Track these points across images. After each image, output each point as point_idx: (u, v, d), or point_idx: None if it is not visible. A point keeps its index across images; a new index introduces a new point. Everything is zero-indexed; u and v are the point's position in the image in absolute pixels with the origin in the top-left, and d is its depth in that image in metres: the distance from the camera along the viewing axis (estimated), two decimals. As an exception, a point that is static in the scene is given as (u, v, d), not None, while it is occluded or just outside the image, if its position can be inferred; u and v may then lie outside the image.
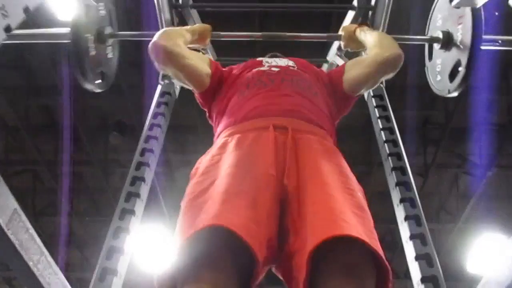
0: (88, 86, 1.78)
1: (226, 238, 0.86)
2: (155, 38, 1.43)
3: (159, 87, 1.98)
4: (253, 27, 3.08)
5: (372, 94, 1.91)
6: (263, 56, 1.70)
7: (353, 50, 1.77)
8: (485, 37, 1.66)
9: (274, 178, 1.04)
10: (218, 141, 1.25)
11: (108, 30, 1.87)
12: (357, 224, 0.93)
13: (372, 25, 1.97)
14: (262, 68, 1.43)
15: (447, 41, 1.76)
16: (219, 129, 1.32)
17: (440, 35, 1.79)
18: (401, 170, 1.66)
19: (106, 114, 5.35)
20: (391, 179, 1.66)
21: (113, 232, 1.47)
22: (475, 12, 1.62)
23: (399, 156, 1.70)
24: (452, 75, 1.74)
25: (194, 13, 2.08)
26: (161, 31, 1.51)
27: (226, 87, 1.43)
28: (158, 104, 1.89)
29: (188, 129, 5.33)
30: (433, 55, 1.91)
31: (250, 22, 3.55)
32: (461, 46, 1.69)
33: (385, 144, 1.74)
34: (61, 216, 6.56)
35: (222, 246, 0.88)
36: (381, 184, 2.06)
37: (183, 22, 2.09)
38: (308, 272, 0.87)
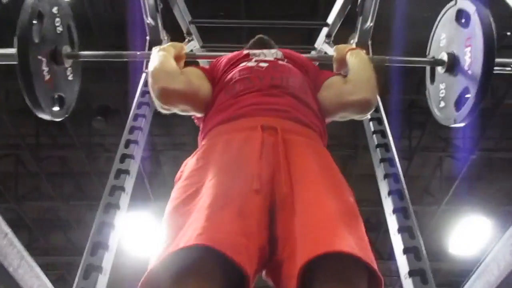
0: (42, 116, 1.53)
1: (212, 255, 0.85)
2: (159, 83, 1.28)
3: (143, 76, 1.93)
4: (239, 8, 2.98)
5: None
6: (250, 38, 1.66)
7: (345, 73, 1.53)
8: (497, 60, 1.49)
9: (262, 185, 1.00)
10: (204, 143, 1.21)
11: (66, 50, 1.63)
12: (349, 236, 0.92)
13: (361, 14, 1.94)
14: (249, 64, 1.36)
15: (453, 65, 1.59)
16: (205, 128, 1.27)
17: (445, 58, 1.62)
18: (389, 161, 1.68)
19: (89, 97, 5.25)
20: (380, 171, 1.67)
21: (97, 227, 1.44)
22: (487, 35, 1.44)
23: (387, 148, 1.71)
24: (459, 102, 1.56)
25: (181, 3, 2.02)
26: (154, 69, 1.33)
27: (214, 84, 1.37)
28: (143, 94, 1.84)
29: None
30: (436, 78, 1.73)
31: (236, 13, 3.46)
32: (470, 72, 1.51)
33: (373, 135, 1.76)
34: (45, 200, 6.51)
35: (208, 261, 0.85)
36: (366, 167, 2.07)
37: (166, 5, 2.03)
38: (299, 282, 0.86)
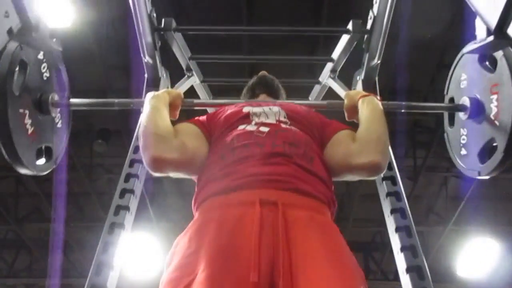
0: (25, 172, 1.40)
1: None
2: (151, 151, 1.17)
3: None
4: (240, 49, 2.95)
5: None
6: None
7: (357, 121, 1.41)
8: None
9: (261, 277, 0.90)
10: (196, 217, 1.10)
11: (53, 98, 1.47)
12: None
13: (367, 50, 1.87)
14: (249, 128, 1.23)
15: (477, 112, 1.44)
16: (199, 196, 1.15)
17: (467, 103, 1.47)
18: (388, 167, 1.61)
19: (90, 118, 5.20)
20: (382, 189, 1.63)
21: (102, 246, 1.39)
22: None
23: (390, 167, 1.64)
24: (484, 153, 1.43)
25: (178, 36, 1.96)
26: (146, 129, 1.22)
27: (210, 141, 1.28)
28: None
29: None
30: (456, 122, 1.59)
31: (237, 44, 3.47)
32: (497, 123, 1.36)
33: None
34: (45, 222, 6.43)
35: None
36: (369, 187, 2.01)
37: (165, 44, 1.97)
38: None
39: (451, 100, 1.63)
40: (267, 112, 1.29)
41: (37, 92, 1.44)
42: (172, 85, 2.10)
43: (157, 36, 1.89)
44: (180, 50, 1.99)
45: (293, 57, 1.96)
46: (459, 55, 1.59)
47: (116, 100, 1.50)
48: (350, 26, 1.90)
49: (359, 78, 1.96)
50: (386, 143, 1.23)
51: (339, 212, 6.24)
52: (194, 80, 2.15)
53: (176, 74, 2.15)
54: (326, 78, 2.14)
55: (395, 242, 1.66)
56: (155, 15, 1.86)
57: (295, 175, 1.10)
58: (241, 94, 1.67)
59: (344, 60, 2.06)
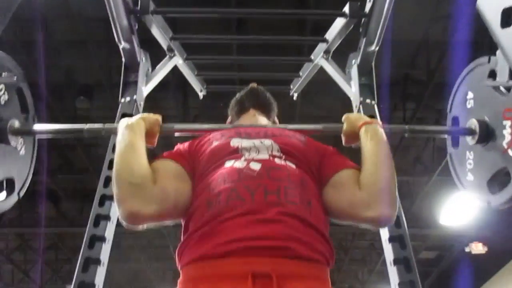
0: None
1: None
2: (126, 205, 1.03)
3: (119, 107, 1.74)
4: (229, 26, 2.72)
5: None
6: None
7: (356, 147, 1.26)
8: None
9: None
10: (181, 286, 0.99)
11: (14, 125, 1.29)
12: None
13: (364, 35, 1.73)
14: (237, 164, 1.07)
15: (486, 137, 1.31)
16: (185, 252, 1.02)
17: (476, 128, 1.33)
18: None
19: (71, 74, 4.98)
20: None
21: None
22: None
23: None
24: (493, 183, 1.31)
25: (157, 17, 1.78)
26: (119, 173, 1.07)
27: (193, 176, 1.12)
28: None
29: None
30: (461, 144, 1.47)
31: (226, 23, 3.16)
32: (511, 152, 1.22)
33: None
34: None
35: None
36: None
37: (143, 27, 1.80)
38: None
39: (455, 120, 1.50)
40: (259, 147, 1.13)
41: None
42: (153, 66, 1.95)
43: (133, 19, 1.71)
44: (160, 32, 1.82)
45: (285, 37, 1.81)
46: (465, 71, 1.45)
47: (86, 127, 1.30)
48: (346, 9, 1.74)
49: (355, 62, 1.84)
50: (395, 192, 1.10)
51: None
52: (177, 60, 2.00)
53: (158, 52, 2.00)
54: (318, 57, 2.00)
55: (384, 232, 1.69)
56: (130, -4, 1.68)
57: (291, 235, 0.97)
58: (226, 72, 1.53)
59: (339, 41, 1.91)
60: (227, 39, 1.89)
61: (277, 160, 1.10)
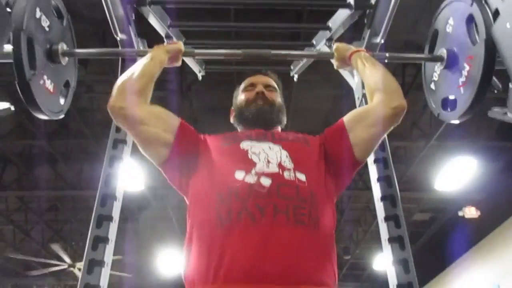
0: (54, 116, 1.51)
1: None
2: (111, 98, 1.23)
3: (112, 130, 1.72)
4: (227, 18, 2.59)
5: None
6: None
7: (346, 70, 1.56)
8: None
9: None
10: None
11: (64, 47, 1.51)
12: None
13: (369, 26, 1.67)
14: (248, 179, 1.09)
15: (450, 66, 1.51)
16: (193, 271, 1.04)
17: (444, 55, 1.52)
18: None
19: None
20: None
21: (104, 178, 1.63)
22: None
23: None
24: (445, 101, 1.56)
25: (156, 8, 1.71)
26: (119, 81, 1.27)
27: (202, 173, 1.18)
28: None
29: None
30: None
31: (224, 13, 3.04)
32: (461, 91, 1.44)
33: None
34: (28, 139, 6.38)
35: None
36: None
37: (140, 16, 1.73)
38: None
39: (435, 33, 1.63)
40: (268, 153, 1.17)
41: (46, 44, 1.43)
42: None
43: (130, 9, 1.64)
44: (158, 21, 1.75)
45: (285, 25, 1.75)
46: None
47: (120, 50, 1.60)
48: (351, 0, 1.67)
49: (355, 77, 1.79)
50: (399, 87, 1.32)
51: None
52: (175, 46, 1.93)
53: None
54: (321, 44, 1.94)
55: (380, 210, 1.71)
56: (126, -14, 1.60)
57: (300, 258, 1.00)
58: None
59: (342, 31, 1.85)
60: (225, 27, 1.82)
61: (286, 175, 1.12)
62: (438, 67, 1.59)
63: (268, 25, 1.96)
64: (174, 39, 1.89)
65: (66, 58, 1.52)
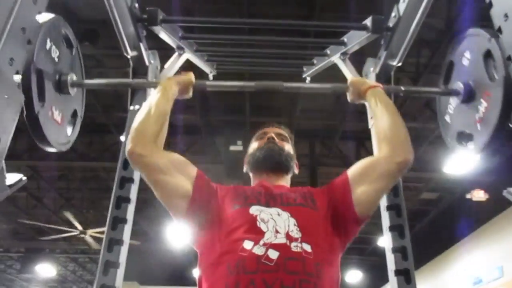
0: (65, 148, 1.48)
1: None
2: (129, 144, 1.21)
3: (128, 115, 1.69)
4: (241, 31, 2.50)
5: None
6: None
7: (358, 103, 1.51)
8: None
9: None
10: None
11: (73, 78, 1.46)
12: None
13: (386, 48, 1.62)
14: (256, 250, 1.09)
15: (466, 100, 1.47)
16: None
17: (461, 89, 1.48)
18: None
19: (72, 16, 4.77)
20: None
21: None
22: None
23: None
24: (461, 135, 1.52)
25: (167, 26, 1.66)
26: (135, 124, 1.25)
27: (213, 233, 1.18)
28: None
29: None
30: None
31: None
32: (478, 128, 1.40)
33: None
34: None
35: None
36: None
37: (151, 34, 1.68)
38: None
39: (451, 64, 1.58)
40: (276, 220, 1.16)
41: (55, 75, 1.40)
42: (163, 63, 1.86)
43: (141, 26, 1.60)
44: (169, 36, 1.71)
45: (299, 39, 1.70)
46: (470, 31, 1.49)
47: (132, 81, 1.58)
48: (368, 22, 1.61)
49: (373, 70, 1.74)
50: (409, 140, 1.29)
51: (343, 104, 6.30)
52: (186, 55, 1.89)
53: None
54: (335, 57, 1.89)
55: (382, 200, 1.73)
56: (137, 5, 1.55)
57: None
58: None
59: (357, 48, 1.79)
60: (237, 40, 1.77)
61: (293, 247, 1.12)
62: (453, 100, 1.55)
63: (281, 39, 1.91)
64: (186, 49, 1.84)
65: (75, 89, 1.49)
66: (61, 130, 1.44)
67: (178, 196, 1.19)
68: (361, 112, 1.94)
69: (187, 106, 6.30)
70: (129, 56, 1.62)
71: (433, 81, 5.89)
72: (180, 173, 1.21)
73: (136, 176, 1.65)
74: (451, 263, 7.90)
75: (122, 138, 1.72)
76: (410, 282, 1.51)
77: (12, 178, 1.12)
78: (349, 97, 1.49)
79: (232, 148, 6.36)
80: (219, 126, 6.89)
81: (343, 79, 1.97)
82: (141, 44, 1.62)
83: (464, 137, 1.48)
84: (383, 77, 1.71)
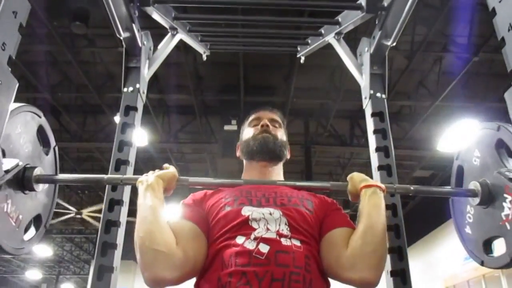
0: (14, 253, 1.24)
1: None
2: (150, 271, 1.07)
3: (122, 98, 1.68)
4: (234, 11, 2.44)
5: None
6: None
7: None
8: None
9: None
10: None
11: (40, 172, 1.28)
12: None
13: (381, 28, 1.60)
14: (247, 245, 1.11)
15: (486, 202, 1.30)
16: None
17: (478, 191, 1.31)
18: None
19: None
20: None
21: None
22: None
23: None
24: (489, 245, 1.33)
25: (160, 6, 1.64)
26: (142, 240, 1.10)
27: (209, 235, 1.19)
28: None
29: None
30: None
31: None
32: (508, 227, 1.21)
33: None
34: (32, 92, 6.34)
35: None
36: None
37: (144, 14, 1.66)
38: None
39: (459, 168, 1.47)
40: (268, 219, 1.17)
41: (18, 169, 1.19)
42: (156, 44, 1.85)
43: (133, 7, 1.57)
44: (162, 17, 1.69)
45: (292, 19, 1.68)
46: (478, 126, 1.39)
47: (105, 177, 1.33)
48: (363, 1, 1.59)
49: (368, 50, 1.73)
50: (382, 257, 1.13)
51: (334, 84, 6.29)
52: (180, 36, 1.87)
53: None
54: (329, 36, 1.88)
55: (377, 179, 1.71)
56: (129, -17, 1.52)
57: None
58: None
59: (352, 27, 1.78)
60: (231, 20, 1.75)
61: (283, 241, 1.13)
62: (471, 206, 1.39)
63: (275, 19, 1.89)
64: (179, 29, 1.82)
65: (41, 185, 1.30)
66: (15, 232, 1.22)
67: (206, 240, 1.18)
68: (355, 91, 1.94)
69: (181, 86, 6.28)
70: (121, 37, 1.60)
71: (427, 59, 5.88)
72: (195, 241, 1.16)
73: (132, 158, 1.65)
74: (442, 240, 8.03)
75: (116, 118, 1.70)
76: (406, 283, 1.47)
77: (8, 163, 1.11)
78: (350, 196, 1.32)
79: (226, 127, 6.37)
80: (213, 106, 6.88)
81: (338, 58, 1.98)
82: (133, 25, 1.59)
83: (493, 245, 1.31)
84: (378, 57, 1.71)
